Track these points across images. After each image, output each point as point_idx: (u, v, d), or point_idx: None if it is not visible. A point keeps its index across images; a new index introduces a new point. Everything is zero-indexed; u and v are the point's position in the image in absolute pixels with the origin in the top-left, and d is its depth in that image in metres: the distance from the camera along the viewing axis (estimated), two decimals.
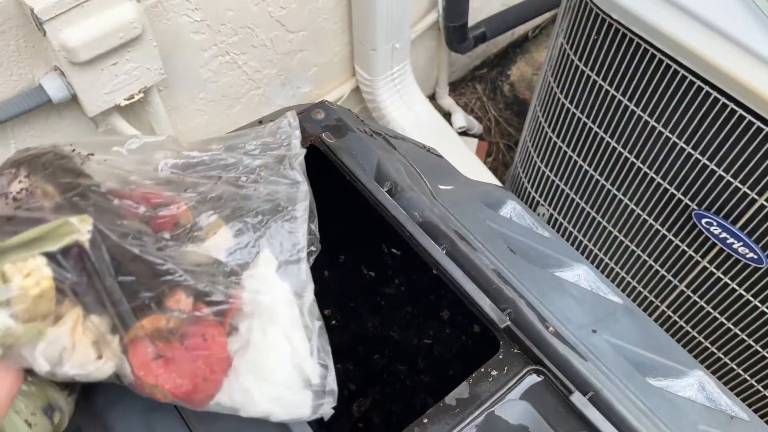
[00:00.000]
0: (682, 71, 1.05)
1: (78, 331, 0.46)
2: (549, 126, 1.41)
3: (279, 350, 0.47)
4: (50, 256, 0.45)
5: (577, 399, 0.51)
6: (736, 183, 1.09)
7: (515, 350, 0.55)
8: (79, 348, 0.46)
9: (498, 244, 0.67)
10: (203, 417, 0.50)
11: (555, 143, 1.41)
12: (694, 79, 1.04)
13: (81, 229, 0.46)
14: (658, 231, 1.29)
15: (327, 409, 0.47)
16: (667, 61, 1.06)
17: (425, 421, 0.51)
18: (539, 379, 0.53)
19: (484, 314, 0.56)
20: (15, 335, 0.44)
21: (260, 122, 0.71)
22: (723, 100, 1.02)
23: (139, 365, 0.46)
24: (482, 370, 0.54)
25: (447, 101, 1.97)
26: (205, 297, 0.47)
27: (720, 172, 1.10)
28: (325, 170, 0.68)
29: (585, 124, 1.29)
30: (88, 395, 0.50)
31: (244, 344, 0.47)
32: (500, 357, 0.54)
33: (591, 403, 0.51)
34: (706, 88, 1.03)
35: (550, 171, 1.48)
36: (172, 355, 0.46)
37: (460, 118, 1.87)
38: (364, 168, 0.65)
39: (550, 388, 0.53)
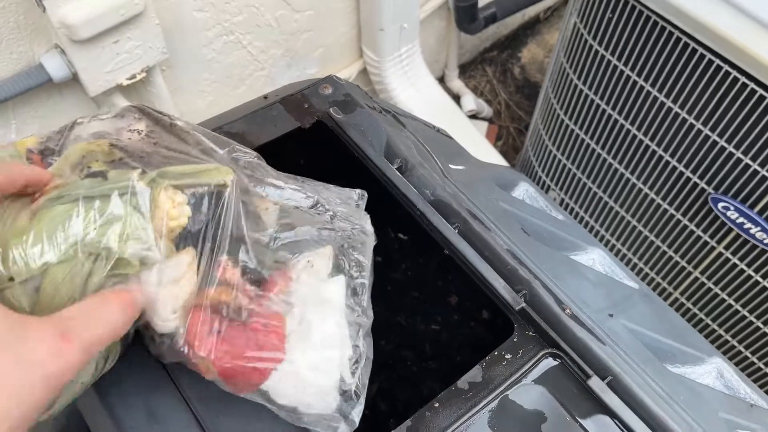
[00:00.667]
0: (701, 49, 1.02)
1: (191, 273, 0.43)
2: (561, 108, 1.38)
3: (330, 346, 0.45)
4: (193, 195, 0.44)
5: (595, 383, 0.48)
6: (755, 166, 1.05)
7: (530, 333, 0.53)
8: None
9: (512, 224, 0.64)
10: (206, 400, 0.48)
11: (567, 126, 1.38)
12: (713, 58, 1.01)
13: (226, 178, 0.45)
14: (672, 216, 1.26)
15: (356, 415, 0.44)
16: (684, 38, 1.03)
17: (437, 405, 0.49)
18: (555, 362, 0.51)
19: (498, 295, 0.54)
20: (153, 258, 0.42)
21: (265, 98, 0.68)
22: (743, 79, 0.99)
23: (196, 334, 0.43)
24: (496, 353, 0.51)
25: (456, 84, 1.93)
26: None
27: (738, 154, 1.07)
28: (332, 149, 0.65)
29: (598, 105, 1.26)
30: None
31: (300, 335, 0.45)
32: (515, 340, 0.52)
33: (609, 388, 0.48)
34: (726, 66, 1.00)
35: (562, 154, 1.45)
36: (230, 333, 0.44)
37: (470, 101, 1.84)
38: (373, 145, 0.62)
39: (567, 373, 0.51)
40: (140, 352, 0.48)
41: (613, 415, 0.48)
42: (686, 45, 1.04)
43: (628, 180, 1.30)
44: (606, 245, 1.48)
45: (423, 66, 1.67)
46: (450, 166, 0.73)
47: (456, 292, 0.80)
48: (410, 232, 0.83)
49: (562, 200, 1.53)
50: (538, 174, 1.58)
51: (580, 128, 1.34)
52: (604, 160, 1.33)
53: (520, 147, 1.80)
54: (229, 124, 0.63)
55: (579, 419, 0.48)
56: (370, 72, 1.66)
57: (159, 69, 1.23)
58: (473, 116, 1.88)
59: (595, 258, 0.74)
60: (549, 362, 0.51)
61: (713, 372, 0.68)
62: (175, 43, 1.24)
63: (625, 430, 0.48)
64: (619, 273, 0.74)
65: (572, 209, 1.52)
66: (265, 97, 0.68)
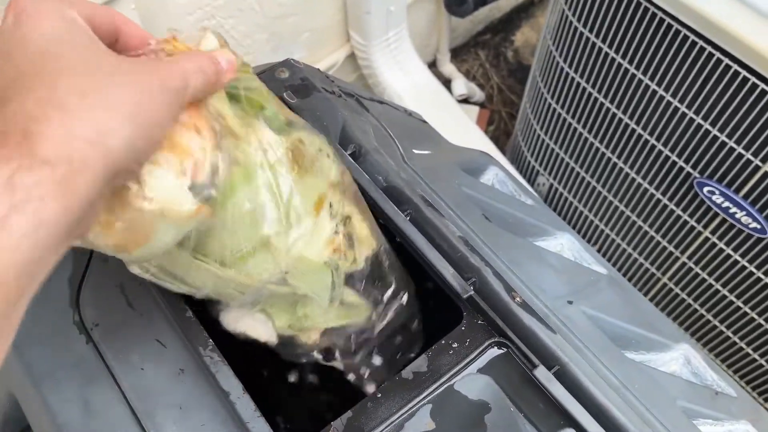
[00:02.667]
0: (684, 31, 1.00)
1: None
2: (549, 92, 1.36)
3: None
4: None
5: (541, 373, 0.47)
6: (740, 149, 1.03)
7: (479, 322, 0.52)
8: None
9: (471, 211, 0.63)
10: (143, 392, 0.47)
11: (555, 110, 1.36)
12: (696, 40, 0.99)
13: None
14: (659, 201, 1.25)
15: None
16: (668, 20, 1.01)
17: (379, 395, 0.48)
18: (501, 351, 0.50)
19: (446, 283, 0.53)
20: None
21: None
22: (726, 61, 0.97)
23: None
24: (443, 342, 0.50)
25: (448, 68, 1.91)
26: None
27: (723, 137, 1.05)
28: None
29: (585, 89, 1.24)
30: (26, 363, 0.48)
31: None
32: (462, 329, 0.51)
33: (556, 377, 0.47)
34: (709, 48, 0.98)
35: (550, 139, 1.43)
36: None
37: (460, 85, 1.82)
38: (328, 130, 0.61)
39: (513, 362, 0.50)
40: (78, 342, 0.47)
41: (558, 406, 0.47)
42: (669, 26, 1.01)
43: (615, 165, 1.29)
44: (594, 231, 1.47)
45: (411, 50, 1.65)
46: (414, 151, 0.71)
47: (413, 277, 0.79)
48: None
49: (551, 185, 1.52)
50: (527, 159, 1.57)
51: (567, 112, 1.33)
52: (592, 144, 1.31)
53: (512, 131, 1.78)
54: None
55: (523, 410, 0.47)
56: (357, 56, 1.64)
57: None
58: (464, 101, 1.86)
59: (564, 243, 0.73)
60: (494, 351, 0.50)
61: (680, 359, 0.67)
62: (154, 29, 1.23)
63: (570, 420, 0.47)
64: (588, 258, 0.73)
65: (561, 194, 1.50)
66: None
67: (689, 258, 1.28)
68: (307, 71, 0.67)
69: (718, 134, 1.05)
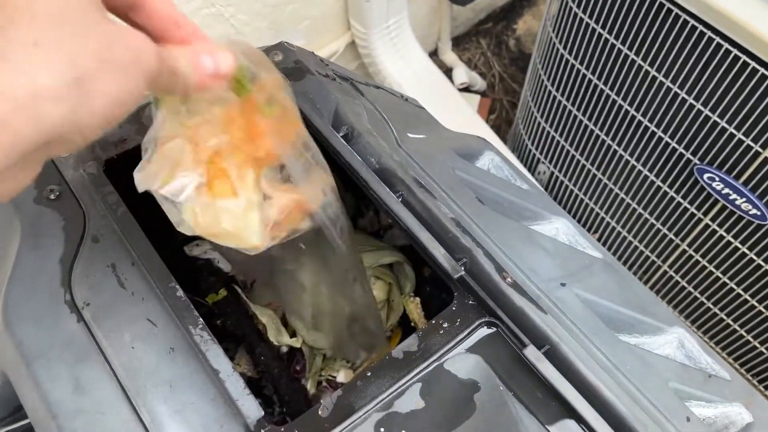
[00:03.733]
0: (685, 16, 0.99)
1: None
2: (549, 80, 1.35)
3: None
4: None
5: (531, 353, 0.47)
6: (740, 135, 1.03)
7: (470, 302, 0.52)
8: None
9: (465, 194, 0.63)
10: (134, 371, 0.47)
11: (555, 98, 1.35)
12: (696, 25, 0.98)
13: None
14: (659, 188, 1.24)
15: None
16: (669, 5, 1.00)
17: (369, 374, 0.48)
18: (491, 331, 0.50)
19: (437, 264, 0.53)
20: None
21: None
22: (726, 45, 0.96)
23: None
24: (433, 322, 0.50)
25: (449, 57, 1.90)
26: None
27: (723, 123, 1.04)
28: None
29: (585, 76, 1.24)
30: (17, 343, 0.48)
31: None
32: (453, 309, 0.51)
33: (546, 357, 0.47)
34: (709, 33, 0.97)
35: (551, 127, 1.42)
36: None
37: (462, 74, 1.81)
38: (321, 113, 0.61)
39: (503, 341, 0.49)
40: (69, 321, 0.47)
41: (548, 385, 0.47)
42: (669, 12, 1.01)
43: (615, 152, 1.28)
44: (594, 218, 1.46)
45: (412, 38, 1.64)
46: (408, 134, 0.71)
47: (411, 258, 0.79)
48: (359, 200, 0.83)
49: (552, 173, 1.51)
50: (528, 147, 1.56)
51: (568, 100, 1.32)
52: (592, 132, 1.31)
53: (514, 120, 1.77)
54: None
55: (513, 389, 0.47)
56: (358, 45, 1.63)
57: None
58: (465, 89, 1.86)
59: (559, 227, 0.73)
60: (484, 331, 0.50)
61: (674, 342, 0.67)
62: None
63: (559, 399, 0.47)
64: (583, 242, 0.72)
65: (561, 182, 1.50)
66: None
67: (689, 245, 1.27)
68: (300, 54, 0.67)
69: (719, 120, 1.04)
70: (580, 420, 0.46)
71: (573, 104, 1.31)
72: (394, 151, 0.61)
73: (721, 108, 1.03)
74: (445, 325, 0.50)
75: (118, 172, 0.56)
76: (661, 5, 1.01)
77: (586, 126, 1.31)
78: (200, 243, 0.75)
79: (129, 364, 0.47)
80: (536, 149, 1.53)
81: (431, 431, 0.45)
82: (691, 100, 1.07)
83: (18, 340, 0.47)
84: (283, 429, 0.45)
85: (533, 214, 0.72)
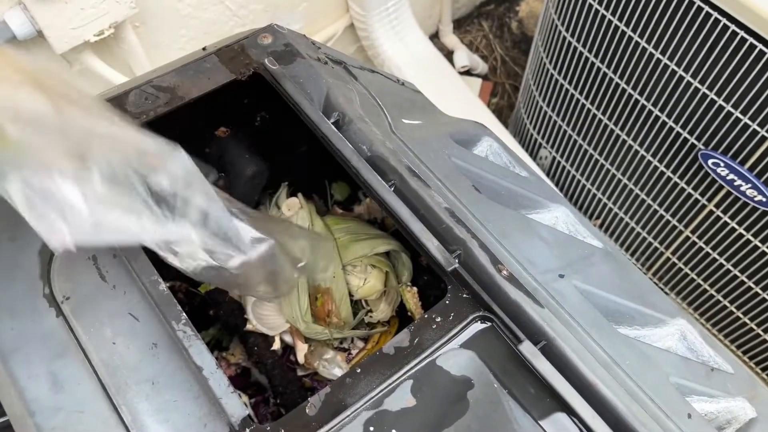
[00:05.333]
0: None
1: None
2: (551, 63, 1.32)
3: None
4: None
5: (527, 348, 0.46)
6: (746, 120, 1.00)
7: (464, 295, 0.50)
8: None
9: (461, 182, 0.61)
10: (114, 367, 0.46)
11: (558, 81, 1.33)
12: (702, 5, 0.95)
13: None
14: (663, 173, 1.22)
15: None
16: None
17: (358, 370, 0.46)
18: (485, 326, 0.48)
19: (430, 256, 0.51)
20: None
21: (204, 49, 0.65)
22: (733, 27, 0.93)
23: None
24: (426, 316, 0.49)
25: (450, 39, 1.87)
26: None
27: (728, 108, 1.01)
28: (270, 102, 0.62)
29: (588, 59, 1.21)
30: None
31: None
32: (447, 302, 0.49)
33: (542, 353, 0.46)
34: (715, 14, 0.94)
35: (553, 111, 1.40)
36: None
37: (463, 57, 1.78)
38: (312, 97, 0.59)
39: (498, 337, 0.48)
40: (47, 316, 0.46)
41: (544, 382, 0.45)
42: None
43: (618, 137, 1.25)
44: (597, 205, 1.44)
45: (412, 20, 1.61)
46: (403, 120, 0.69)
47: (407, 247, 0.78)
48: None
49: (553, 159, 1.49)
50: (530, 132, 1.54)
51: (570, 83, 1.29)
52: (595, 116, 1.28)
53: (516, 104, 1.75)
54: (160, 78, 0.60)
55: (508, 386, 0.46)
56: (357, 27, 1.60)
57: (131, 25, 1.19)
58: (467, 72, 1.83)
59: (559, 216, 0.71)
60: (478, 326, 0.48)
61: (675, 334, 0.65)
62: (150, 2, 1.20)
63: (555, 397, 0.45)
64: (583, 231, 0.70)
65: (564, 168, 1.47)
66: (204, 48, 0.64)
67: (693, 232, 1.25)
68: (291, 37, 0.64)
69: (724, 104, 1.02)
70: (577, 418, 0.44)
71: (575, 88, 1.29)
72: (387, 137, 0.59)
73: (727, 92, 1.00)
74: (438, 319, 0.49)
75: None
76: None
77: (589, 110, 1.28)
78: None
79: (110, 360, 0.45)
80: (538, 134, 1.51)
81: (422, 430, 0.44)
82: (696, 84, 1.04)
83: None
84: (269, 428, 0.43)
85: (532, 202, 0.70)
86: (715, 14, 0.94)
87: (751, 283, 1.20)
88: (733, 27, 0.93)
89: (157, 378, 0.45)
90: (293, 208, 0.88)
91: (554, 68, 1.32)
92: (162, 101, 0.58)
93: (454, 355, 0.47)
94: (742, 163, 1.06)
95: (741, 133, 1.02)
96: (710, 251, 1.24)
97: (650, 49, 1.07)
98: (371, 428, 0.44)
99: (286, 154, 0.88)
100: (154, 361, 0.46)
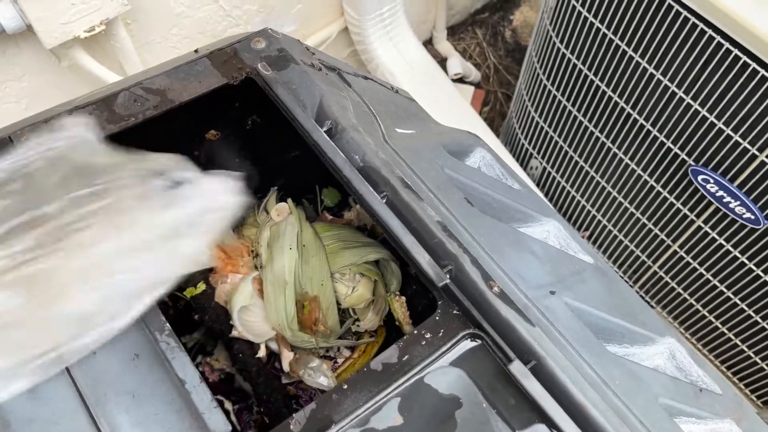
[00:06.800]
0: (685, 13, 0.96)
1: None
2: (545, 74, 1.32)
3: None
4: None
5: (517, 368, 0.45)
6: (736, 137, 1.00)
7: (454, 311, 0.49)
8: None
9: (453, 194, 0.60)
10: (94, 378, 0.44)
11: (551, 92, 1.33)
12: (697, 22, 0.95)
13: None
14: (653, 188, 1.22)
15: None
16: (669, 1, 0.97)
17: (345, 387, 0.45)
18: (475, 344, 0.48)
19: (421, 271, 0.50)
20: None
21: (196, 51, 0.64)
22: (727, 45, 0.93)
23: None
24: (415, 332, 0.48)
25: (444, 46, 1.87)
26: None
27: (720, 125, 1.01)
28: (262, 108, 0.61)
29: (581, 71, 1.21)
30: None
31: None
32: (437, 318, 0.49)
33: (533, 372, 0.45)
34: (709, 31, 0.94)
35: (545, 122, 1.40)
36: None
37: (456, 64, 1.78)
38: (305, 104, 0.58)
39: (488, 355, 0.47)
40: None
41: (533, 403, 0.44)
42: (670, 8, 0.98)
43: (609, 150, 1.26)
44: (585, 217, 1.44)
45: (406, 26, 1.61)
46: (397, 129, 0.68)
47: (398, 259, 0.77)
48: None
49: (544, 169, 1.49)
50: (521, 142, 1.53)
51: (563, 95, 1.29)
52: (586, 128, 1.28)
53: (508, 113, 1.74)
54: (150, 80, 0.58)
55: (497, 406, 0.45)
56: (351, 31, 1.60)
57: (122, 22, 1.17)
58: (459, 80, 1.83)
59: (550, 230, 0.71)
60: (468, 344, 0.47)
61: (665, 353, 0.64)
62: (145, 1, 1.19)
63: (545, 418, 0.44)
64: (574, 246, 0.70)
65: (554, 179, 1.47)
66: (196, 51, 0.63)
67: (680, 247, 1.25)
68: (285, 42, 0.64)
69: (716, 121, 1.02)
70: None
71: (568, 99, 1.29)
72: (380, 147, 0.58)
73: (718, 109, 1.00)
74: (428, 335, 0.48)
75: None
76: (662, 1, 0.98)
77: (581, 122, 1.28)
78: None
79: (89, 370, 0.44)
80: (529, 144, 1.51)
81: None
82: (688, 100, 1.04)
83: None
84: None
85: (523, 215, 0.69)
86: (710, 31, 0.94)
87: (736, 300, 1.20)
88: (727, 45, 0.93)
89: (138, 390, 0.44)
90: (282, 213, 0.87)
91: (547, 79, 1.32)
92: (151, 104, 0.57)
93: (443, 373, 0.46)
94: (732, 180, 1.06)
95: (731, 150, 1.03)
96: (697, 266, 1.24)
97: (644, 63, 1.07)
98: None
99: (277, 159, 0.87)
100: (136, 373, 0.45)
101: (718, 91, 0.98)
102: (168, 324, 0.46)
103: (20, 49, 1.13)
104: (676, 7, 0.97)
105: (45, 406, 0.43)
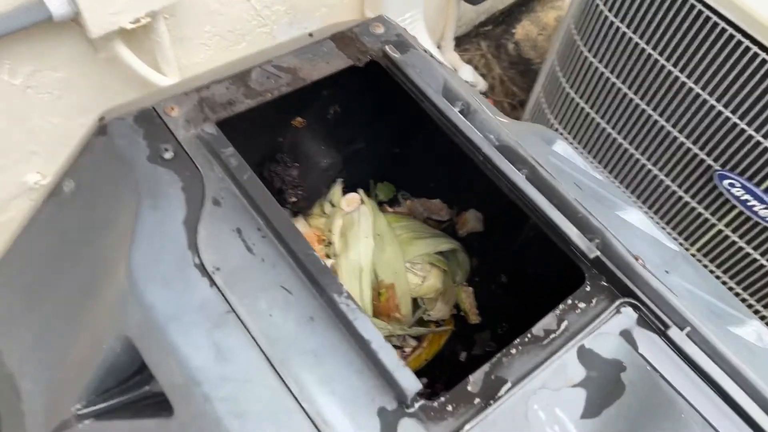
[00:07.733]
0: (715, 17, 1.00)
1: None
2: (567, 80, 1.36)
3: None
4: None
5: (675, 334, 0.47)
6: (759, 138, 1.05)
7: (603, 282, 0.51)
8: None
9: (566, 178, 0.63)
10: (273, 338, 0.44)
11: (572, 99, 1.37)
12: (726, 27, 1.00)
13: None
14: (674, 193, 1.26)
15: None
16: (696, 5, 1.02)
17: (513, 351, 0.47)
18: (633, 312, 0.50)
19: (571, 244, 0.52)
20: None
21: (311, 35, 0.65)
22: (755, 49, 0.98)
23: None
24: (569, 302, 0.50)
25: (451, 56, 1.90)
26: None
27: (747, 128, 1.06)
28: (388, 89, 0.62)
29: (602, 74, 1.24)
30: (147, 306, 0.44)
31: None
32: (587, 289, 0.50)
33: (689, 338, 0.47)
34: (738, 36, 0.99)
35: (564, 128, 1.44)
36: None
37: (468, 73, 1.82)
38: (429, 85, 0.59)
39: (645, 322, 0.49)
40: (201, 286, 0.44)
41: (694, 366, 0.47)
42: (692, 8, 1.02)
43: (632, 155, 1.30)
44: None
45: (425, 34, 1.64)
46: (498, 117, 0.70)
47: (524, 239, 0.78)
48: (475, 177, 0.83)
49: None
50: None
51: (585, 101, 1.33)
52: (609, 134, 1.32)
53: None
54: (279, 58, 0.59)
55: (659, 369, 0.47)
56: None
57: (162, 16, 1.17)
58: None
59: (636, 219, 0.73)
60: (627, 311, 0.49)
61: (753, 334, 0.68)
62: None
63: (707, 380, 0.46)
64: (659, 235, 0.73)
65: None
66: (311, 34, 0.64)
67: (699, 250, 1.30)
68: (399, 28, 0.65)
69: (740, 123, 1.06)
70: (734, 405, 0.46)
71: (591, 105, 1.33)
72: (503, 129, 0.60)
73: (742, 109, 1.05)
74: (581, 305, 0.50)
75: (230, 133, 0.53)
76: (683, 2, 1.02)
77: (603, 129, 1.33)
78: None
79: (268, 332, 0.44)
80: None
81: (584, 408, 0.44)
82: (712, 101, 1.08)
83: (148, 303, 0.44)
84: (436, 404, 0.43)
85: (613, 203, 0.72)
86: (738, 35, 0.99)
87: (758, 307, 1.25)
88: (755, 49, 0.98)
89: (318, 350, 0.44)
90: (352, 203, 0.88)
91: (570, 86, 1.36)
92: (284, 81, 0.58)
93: (604, 339, 0.48)
94: (758, 184, 1.11)
95: (761, 155, 1.08)
96: (714, 269, 1.29)
97: (669, 66, 1.11)
98: (535, 406, 0.44)
99: (343, 151, 0.88)
100: (313, 334, 0.45)
101: (744, 92, 1.03)
102: (344, 286, 0.46)
103: (61, 40, 1.11)
104: (700, 7, 1.01)
105: (234, 366, 0.43)
